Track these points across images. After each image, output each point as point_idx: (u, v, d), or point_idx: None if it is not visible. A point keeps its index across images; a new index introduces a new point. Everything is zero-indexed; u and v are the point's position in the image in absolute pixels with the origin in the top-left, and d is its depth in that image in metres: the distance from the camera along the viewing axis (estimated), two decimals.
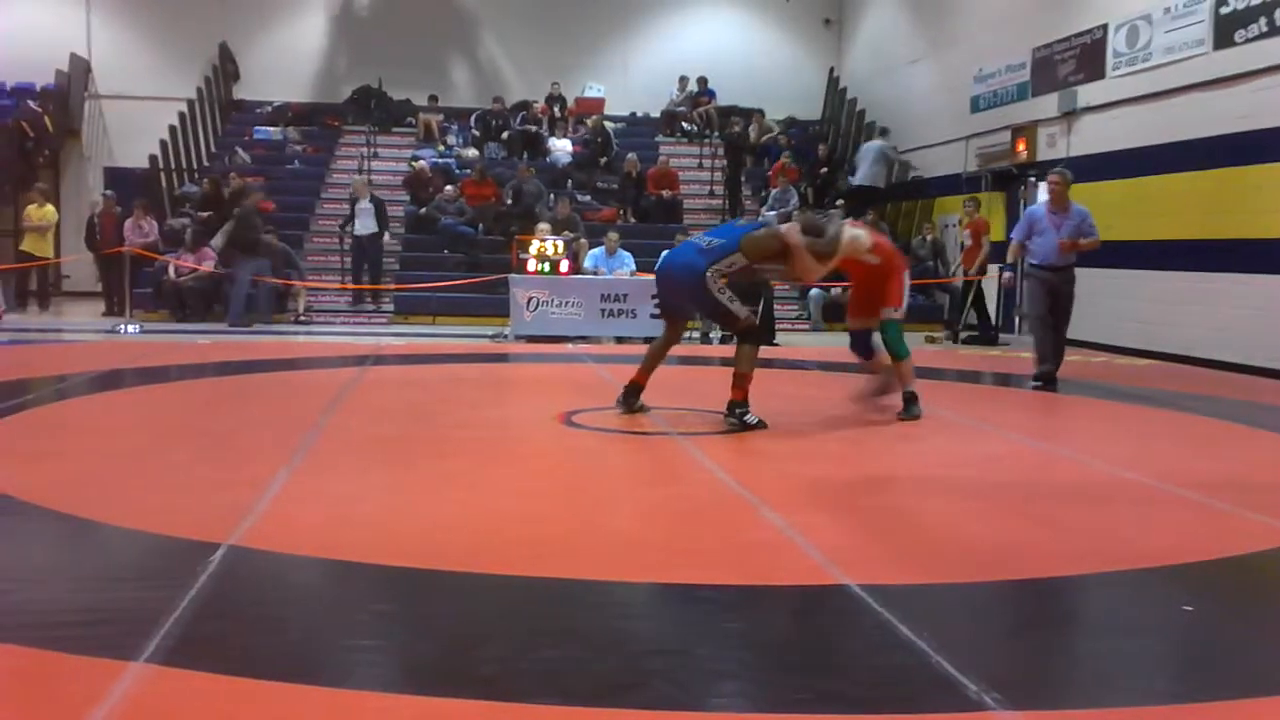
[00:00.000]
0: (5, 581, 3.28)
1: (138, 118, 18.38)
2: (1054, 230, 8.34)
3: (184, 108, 17.78)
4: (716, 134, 18.70)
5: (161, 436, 5.79)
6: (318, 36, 20.30)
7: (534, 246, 12.68)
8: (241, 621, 2.98)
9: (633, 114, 20.33)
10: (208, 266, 13.88)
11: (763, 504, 4.33)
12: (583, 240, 14.08)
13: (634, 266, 13.35)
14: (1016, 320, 14.09)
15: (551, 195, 16.15)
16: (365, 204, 14.76)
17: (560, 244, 12.88)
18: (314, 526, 3.91)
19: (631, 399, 6.59)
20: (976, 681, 2.56)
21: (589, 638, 2.91)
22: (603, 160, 17.97)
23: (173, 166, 17.19)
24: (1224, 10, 10.63)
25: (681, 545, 3.83)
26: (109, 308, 14.68)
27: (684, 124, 19.53)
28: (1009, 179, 14.86)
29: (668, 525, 4.15)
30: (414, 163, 17.14)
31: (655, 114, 20.15)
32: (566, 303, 12.55)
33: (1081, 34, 12.99)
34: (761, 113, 19.16)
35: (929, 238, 15.40)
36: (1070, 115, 13.18)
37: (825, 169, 17.49)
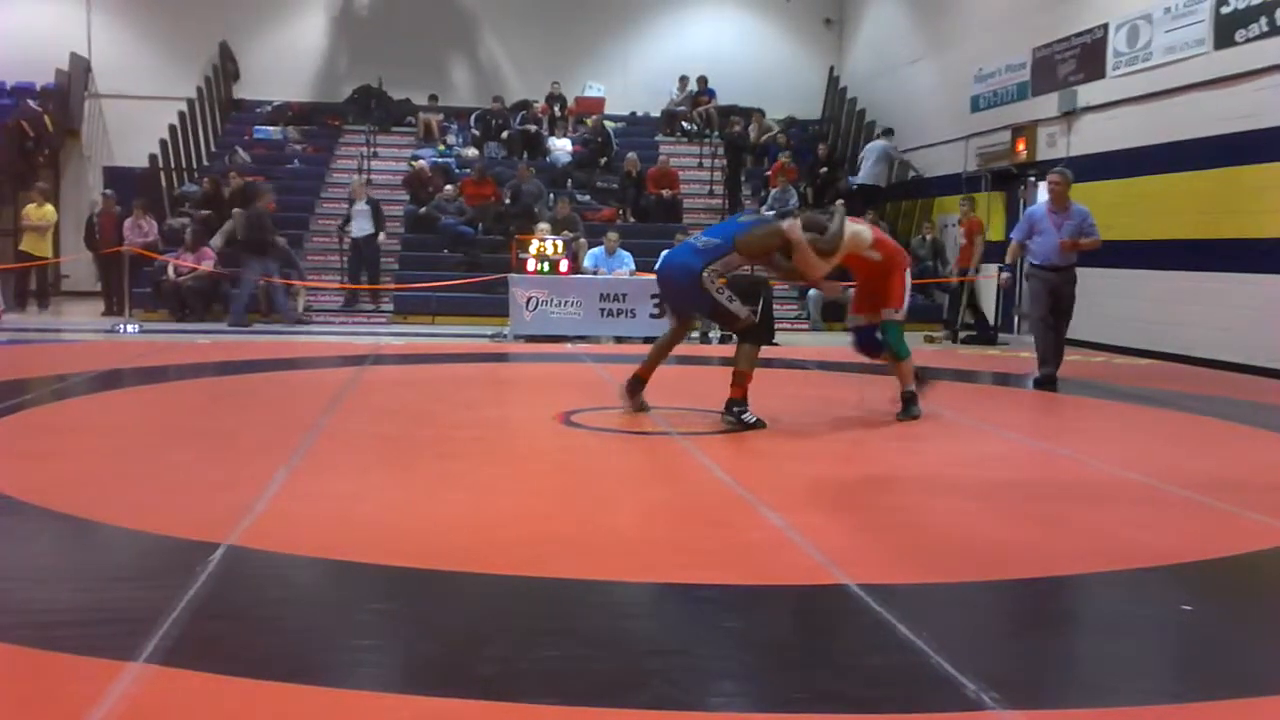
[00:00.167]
0: (4, 581, 3.28)
1: (138, 117, 18.39)
2: (1055, 230, 8.34)
3: (184, 107, 17.79)
4: (716, 133, 18.70)
5: (161, 436, 5.78)
6: (318, 36, 20.30)
7: (533, 246, 12.69)
8: (241, 621, 2.98)
9: (633, 113, 20.33)
10: (207, 266, 13.88)
11: (763, 504, 4.33)
12: (582, 240, 14.08)
13: (633, 266, 13.36)
14: (1015, 320, 14.09)
15: (551, 195, 16.16)
16: (361, 205, 14.74)
17: (560, 244, 12.88)
18: (313, 526, 3.91)
19: (635, 391, 6.59)
20: (975, 681, 2.56)
21: (589, 638, 2.90)
22: (602, 160, 17.97)
23: (172, 166, 17.20)
24: (1224, 10, 10.63)
25: (681, 545, 3.83)
26: (108, 307, 14.68)
27: (684, 123, 19.53)
28: (1009, 179, 14.87)
29: (668, 525, 4.14)
30: (414, 162, 17.14)
31: (655, 113, 20.15)
32: (566, 302, 12.55)
33: (1082, 34, 12.99)
34: (761, 112, 19.16)
35: (929, 237, 15.40)
36: (1070, 115, 13.17)
37: (825, 169, 17.49)
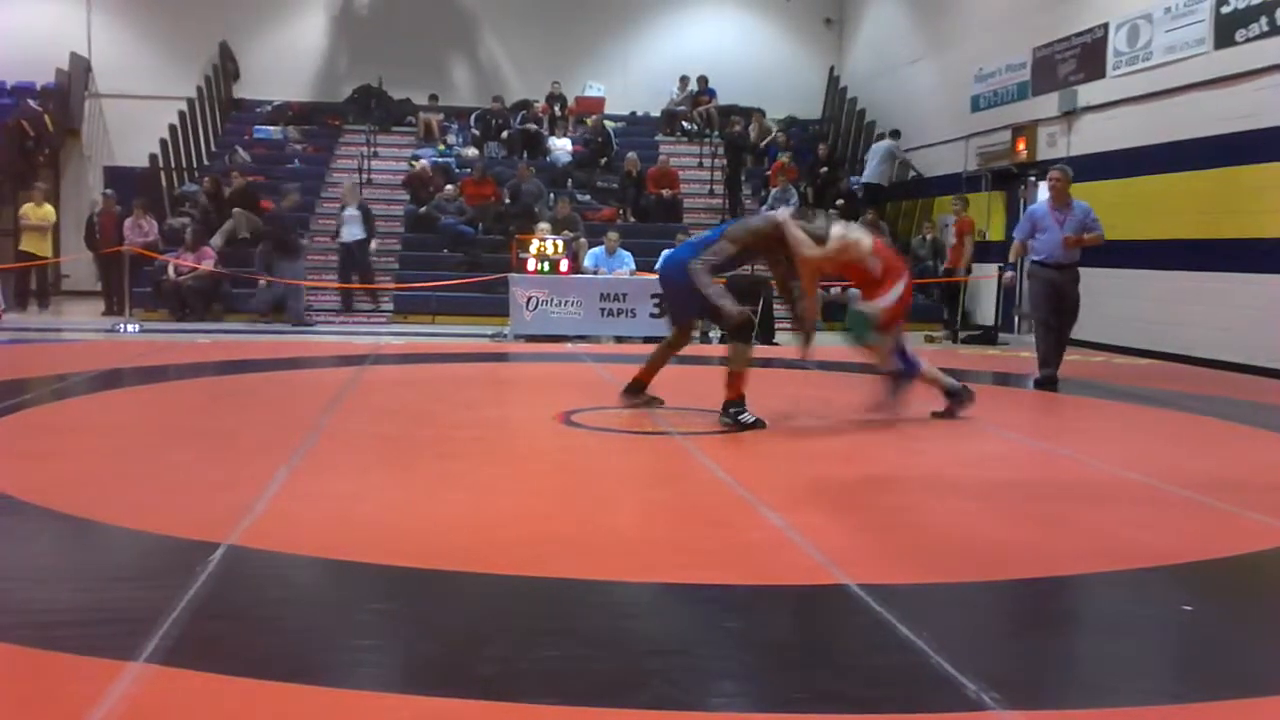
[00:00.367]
0: (5, 581, 3.27)
1: (138, 117, 18.41)
2: (1057, 227, 8.32)
3: (184, 107, 17.79)
4: (716, 133, 18.70)
5: (161, 436, 5.78)
6: (318, 36, 20.31)
7: (534, 246, 12.69)
8: (241, 621, 2.97)
9: (633, 113, 20.33)
10: (208, 266, 13.88)
11: (763, 504, 4.33)
12: (582, 240, 14.09)
13: (634, 266, 13.36)
14: (1016, 320, 14.09)
15: (551, 195, 16.16)
16: (352, 210, 14.62)
17: (560, 243, 12.89)
18: (313, 526, 3.91)
19: (634, 394, 6.58)
20: (976, 681, 2.56)
21: (589, 638, 2.90)
22: (603, 160, 17.97)
23: (173, 165, 17.20)
24: (1224, 10, 10.63)
25: (681, 545, 3.82)
26: (109, 307, 14.68)
27: (684, 123, 19.54)
28: (1009, 178, 14.87)
29: (668, 525, 4.14)
30: (414, 162, 17.14)
31: (655, 113, 20.16)
32: (566, 302, 12.55)
33: (1082, 33, 12.99)
34: (762, 112, 19.17)
35: (929, 237, 15.41)
36: (1070, 115, 13.17)
37: (825, 169, 17.50)
